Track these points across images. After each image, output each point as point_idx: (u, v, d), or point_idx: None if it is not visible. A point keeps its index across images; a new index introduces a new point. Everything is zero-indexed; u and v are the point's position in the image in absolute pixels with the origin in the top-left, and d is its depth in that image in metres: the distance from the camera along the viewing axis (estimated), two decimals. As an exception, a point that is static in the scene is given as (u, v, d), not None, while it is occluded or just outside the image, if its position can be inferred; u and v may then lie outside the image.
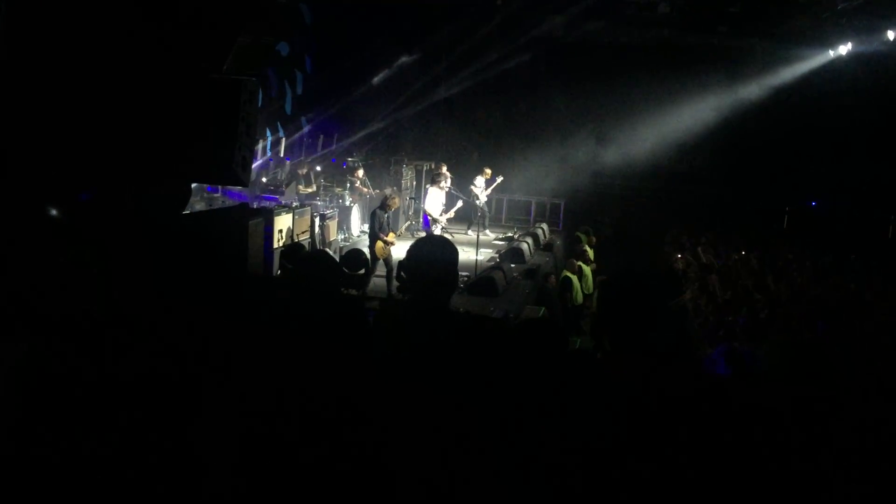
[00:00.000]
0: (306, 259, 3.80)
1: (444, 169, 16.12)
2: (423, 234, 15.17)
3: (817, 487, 2.58)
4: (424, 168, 19.07)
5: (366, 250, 11.83)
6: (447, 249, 3.20)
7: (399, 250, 12.48)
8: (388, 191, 14.61)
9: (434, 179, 15.23)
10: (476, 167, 18.72)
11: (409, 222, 14.23)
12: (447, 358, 2.88)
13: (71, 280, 3.04)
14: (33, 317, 2.76)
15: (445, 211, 14.61)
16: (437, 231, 14.14)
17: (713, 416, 2.73)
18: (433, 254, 3.14)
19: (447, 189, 14.87)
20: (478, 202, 16.85)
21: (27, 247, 3.50)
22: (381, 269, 12.09)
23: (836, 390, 3.08)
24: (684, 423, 2.64)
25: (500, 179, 17.32)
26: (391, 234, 12.09)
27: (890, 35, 17.68)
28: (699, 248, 17.42)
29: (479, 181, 17.15)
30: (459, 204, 14.77)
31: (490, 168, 17.54)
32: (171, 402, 2.57)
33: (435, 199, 14.64)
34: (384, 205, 12.16)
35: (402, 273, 3.23)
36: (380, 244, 11.85)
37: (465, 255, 14.02)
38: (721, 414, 2.79)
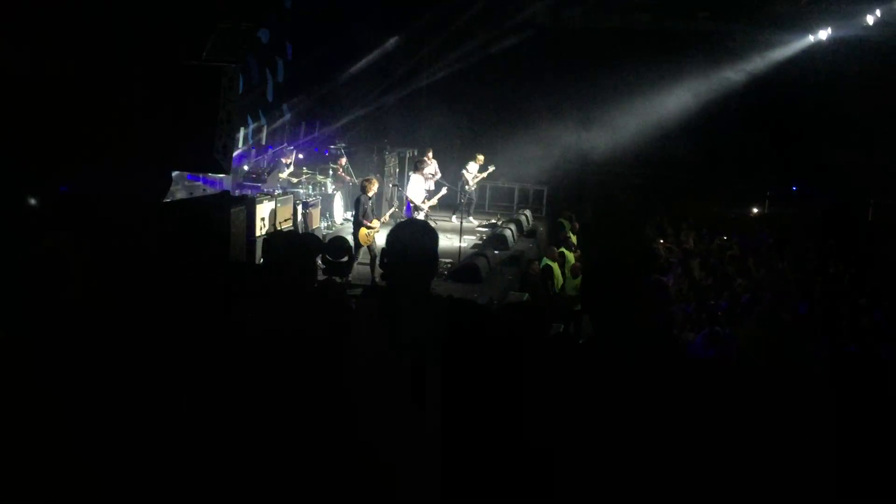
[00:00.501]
0: (285, 243, 3.78)
1: (430, 155, 16.12)
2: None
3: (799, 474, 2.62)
4: (408, 155, 19.04)
5: (349, 237, 11.81)
6: (427, 234, 3.18)
7: (384, 237, 12.45)
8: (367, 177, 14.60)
9: (417, 166, 15.22)
10: (459, 154, 18.70)
11: (393, 209, 14.22)
12: (429, 342, 2.88)
13: (48, 267, 3.02)
14: (11, 304, 2.75)
15: (429, 198, 14.58)
16: (419, 217, 14.12)
17: (696, 400, 2.76)
18: (412, 238, 3.13)
19: (431, 176, 14.87)
20: (466, 188, 16.87)
21: (5, 235, 3.48)
22: (364, 257, 12.07)
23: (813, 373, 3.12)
24: (667, 408, 2.66)
25: (491, 168, 17.37)
26: (375, 221, 12.05)
27: (869, 20, 17.78)
28: (681, 234, 17.51)
29: (472, 167, 17.19)
30: (444, 191, 14.75)
31: (485, 156, 17.62)
32: (153, 389, 2.57)
33: (417, 186, 14.61)
34: (364, 189, 12.12)
35: (385, 259, 3.21)
36: (363, 231, 11.82)
37: (449, 241, 14.01)
38: (702, 398, 2.81)
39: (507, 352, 2.90)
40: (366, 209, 11.87)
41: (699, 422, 2.64)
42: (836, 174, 20.76)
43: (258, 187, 13.98)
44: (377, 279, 11.30)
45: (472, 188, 17.29)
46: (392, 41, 19.29)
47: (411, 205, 14.36)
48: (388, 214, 14.01)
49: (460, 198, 16.64)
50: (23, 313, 2.65)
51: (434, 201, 14.62)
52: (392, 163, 18.57)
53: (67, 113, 4.62)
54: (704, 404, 2.69)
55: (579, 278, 12.62)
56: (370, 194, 12.05)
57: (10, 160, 4.29)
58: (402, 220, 14.70)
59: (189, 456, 2.62)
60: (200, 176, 13.43)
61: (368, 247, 11.94)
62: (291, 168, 15.31)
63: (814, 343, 7.34)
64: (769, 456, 2.64)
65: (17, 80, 4.41)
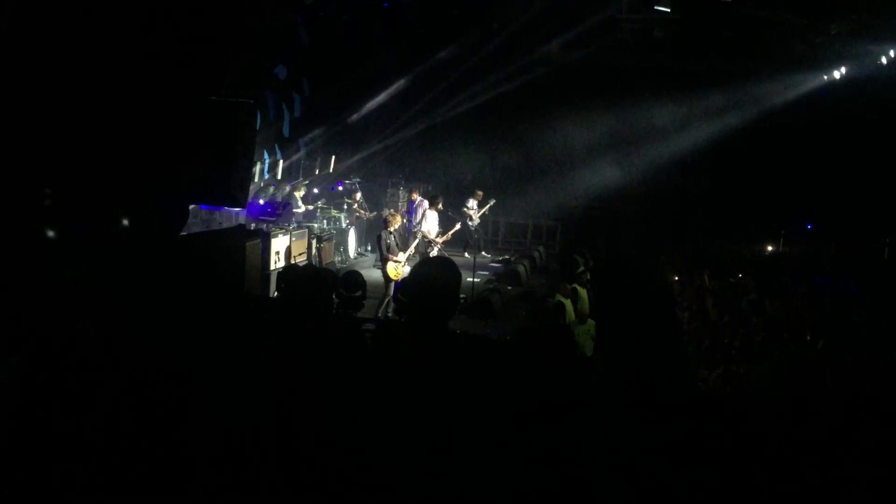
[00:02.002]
0: (299, 277, 3.79)
1: (416, 194, 16.26)
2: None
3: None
4: (422, 190, 19.15)
5: (363, 272, 11.80)
6: (450, 271, 3.15)
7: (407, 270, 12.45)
8: (385, 212, 14.67)
9: (431, 201, 15.30)
10: (470, 189, 18.82)
11: (416, 242, 14.28)
12: (446, 378, 2.87)
13: (64, 298, 3.05)
14: (27, 333, 2.77)
15: (442, 233, 14.63)
16: (433, 253, 14.14)
17: (713, 439, 2.74)
18: (435, 275, 3.10)
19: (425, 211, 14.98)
20: (470, 223, 16.90)
21: (21, 265, 3.51)
22: (375, 292, 12.04)
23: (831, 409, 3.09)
24: (683, 444, 2.64)
25: (492, 202, 17.40)
26: (401, 254, 12.02)
27: (883, 59, 17.83)
28: (695, 270, 17.42)
29: (471, 203, 17.23)
30: (457, 226, 14.80)
31: (483, 191, 17.67)
32: (164, 417, 2.57)
33: (432, 221, 14.69)
34: (386, 224, 12.14)
35: (401, 295, 3.21)
36: (391, 266, 11.77)
37: (462, 277, 13.99)
38: (720, 436, 2.79)
39: (526, 390, 2.88)
40: (388, 244, 11.86)
41: (716, 459, 2.61)
42: (851, 213, 20.69)
43: (274, 221, 14.05)
44: (390, 314, 11.26)
45: (476, 223, 17.29)
46: (408, 78, 19.48)
47: (426, 240, 14.41)
48: (413, 246, 14.02)
49: (471, 234, 16.70)
50: (41, 344, 2.67)
51: (448, 236, 14.65)
52: (406, 197, 18.69)
53: (86, 142, 4.67)
54: (721, 442, 2.66)
55: (588, 323, 12.41)
56: (391, 229, 12.06)
57: (28, 196, 4.34)
58: (432, 251, 14.76)
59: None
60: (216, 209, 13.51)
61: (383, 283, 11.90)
62: (302, 208, 15.31)
63: (831, 381, 7.26)
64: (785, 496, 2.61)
65: (35, 116, 4.47)
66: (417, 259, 13.88)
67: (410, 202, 16.63)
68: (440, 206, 15.09)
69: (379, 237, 12.09)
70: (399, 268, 11.85)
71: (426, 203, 15.65)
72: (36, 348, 2.64)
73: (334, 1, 15.77)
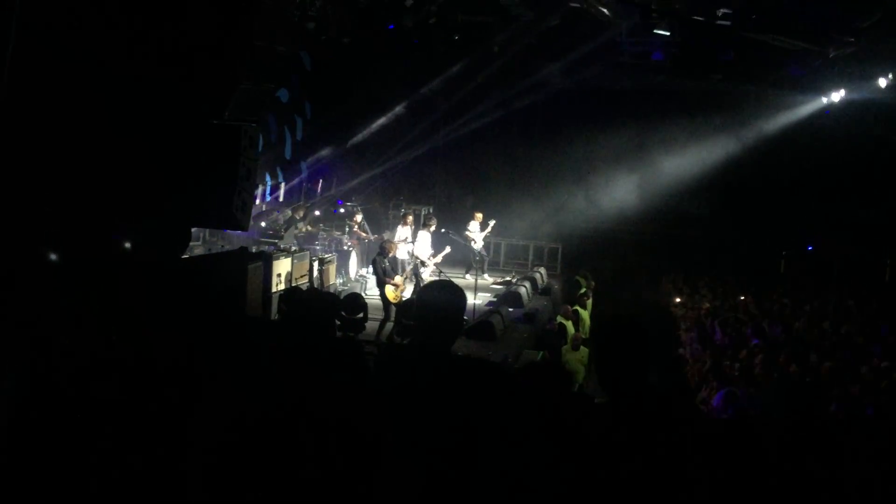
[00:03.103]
0: (303, 299, 3.81)
1: (410, 218, 16.31)
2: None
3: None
4: (422, 212, 19.20)
5: (363, 294, 11.83)
6: (456, 295, 3.19)
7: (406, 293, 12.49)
8: (385, 235, 14.70)
9: (424, 223, 15.38)
10: (471, 212, 18.89)
11: (413, 265, 14.28)
12: (448, 401, 2.87)
13: (71, 318, 3.07)
14: (34, 349, 2.78)
15: (434, 255, 14.66)
16: (426, 275, 14.17)
17: (714, 461, 2.74)
18: (442, 298, 3.13)
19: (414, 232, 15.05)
20: (474, 245, 16.88)
21: (29, 287, 3.53)
22: (379, 313, 12.03)
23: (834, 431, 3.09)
24: (685, 468, 2.64)
25: (492, 223, 17.39)
26: (398, 278, 12.09)
27: (881, 82, 17.93)
28: (696, 292, 17.43)
29: (473, 226, 17.24)
30: (448, 249, 14.82)
31: (483, 212, 17.68)
32: (164, 435, 2.59)
33: (424, 243, 14.72)
34: (383, 251, 12.20)
35: (404, 318, 3.22)
36: (389, 289, 11.82)
37: (466, 300, 13.93)
38: (722, 459, 2.79)
39: (531, 415, 2.88)
40: (384, 268, 11.92)
41: (721, 480, 2.62)
42: (851, 234, 20.74)
43: (275, 244, 14.08)
44: (396, 338, 11.26)
45: (480, 245, 17.26)
46: (410, 101, 19.59)
47: (418, 261, 14.42)
48: (409, 269, 14.04)
49: (472, 256, 16.67)
50: (44, 366, 2.69)
51: (439, 258, 14.63)
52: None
53: (90, 165, 4.70)
54: (725, 463, 2.67)
55: (581, 350, 12.36)
56: (387, 256, 12.13)
57: (32, 220, 4.37)
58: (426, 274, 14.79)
59: None
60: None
61: (384, 306, 11.92)
62: (302, 226, 15.35)
63: (833, 404, 7.25)
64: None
65: (40, 131, 4.50)
66: (413, 281, 13.92)
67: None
68: (433, 228, 15.12)
69: (374, 262, 12.18)
70: (398, 291, 11.92)
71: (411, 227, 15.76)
72: (36, 360, 2.66)
73: (336, 24, 15.88)
